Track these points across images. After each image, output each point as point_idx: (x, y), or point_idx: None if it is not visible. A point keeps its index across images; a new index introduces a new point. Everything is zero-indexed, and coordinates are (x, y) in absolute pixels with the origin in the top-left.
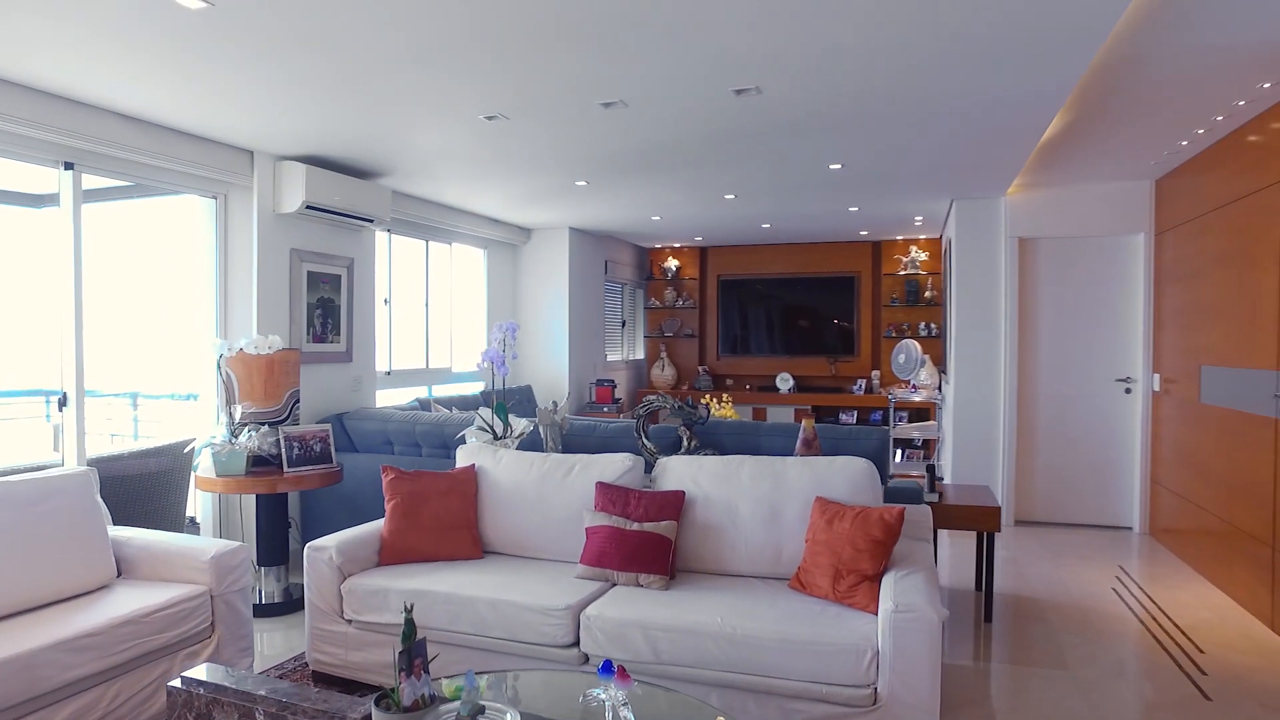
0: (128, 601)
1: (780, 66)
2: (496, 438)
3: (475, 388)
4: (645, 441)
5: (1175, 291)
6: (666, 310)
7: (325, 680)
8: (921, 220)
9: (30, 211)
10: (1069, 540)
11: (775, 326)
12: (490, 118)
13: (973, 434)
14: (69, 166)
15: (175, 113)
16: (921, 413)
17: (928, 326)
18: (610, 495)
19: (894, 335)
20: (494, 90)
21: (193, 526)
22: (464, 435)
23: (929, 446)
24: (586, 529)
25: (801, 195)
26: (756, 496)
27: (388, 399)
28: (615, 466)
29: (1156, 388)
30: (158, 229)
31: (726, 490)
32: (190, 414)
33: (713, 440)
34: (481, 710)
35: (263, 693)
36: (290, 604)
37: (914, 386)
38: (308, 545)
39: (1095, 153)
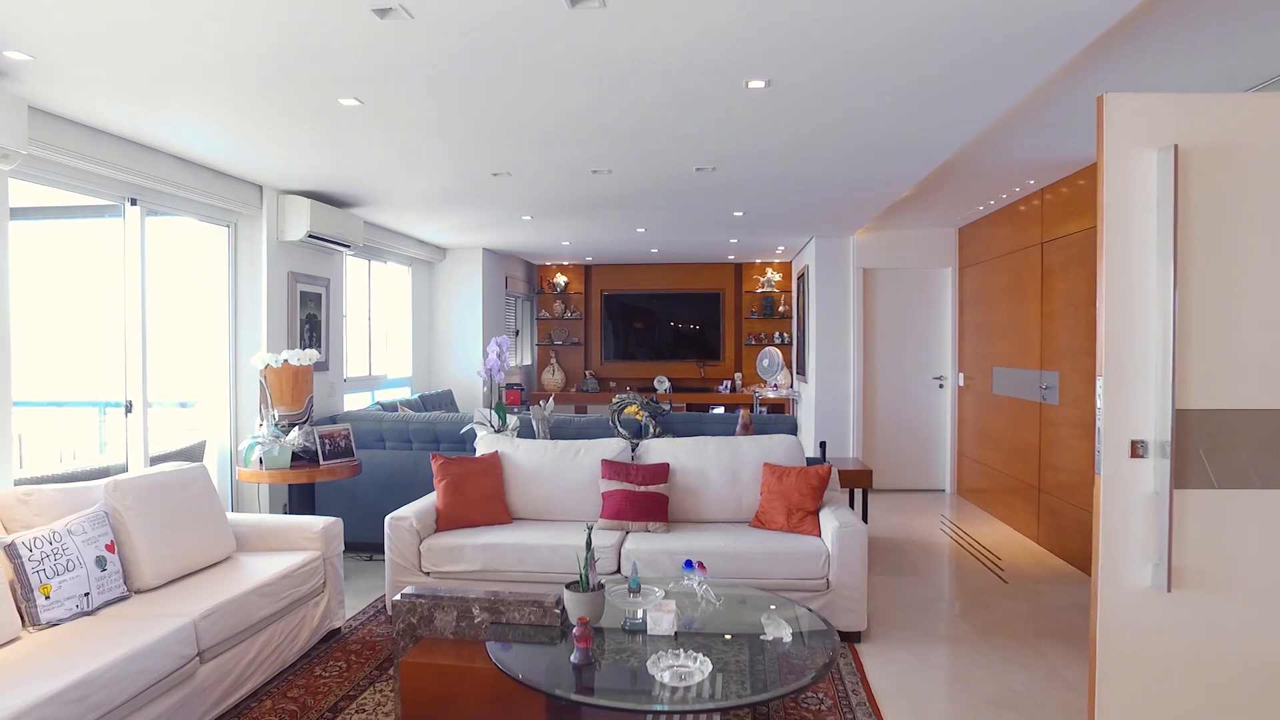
0: (270, 564)
1: (731, 156)
2: (496, 431)
3: (404, 393)
4: (619, 429)
5: (973, 312)
6: (555, 321)
7: None
8: (783, 249)
9: (92, 222)
10: (903, 500)
11: (652, 335)
12: (496, 174)
13: (830, 421)
14: (134, 202)
15: (218, 157)
16: (778, 407)
17: (781, 335)
18: (615, 468)
19: (753, 343)
20: (506, 158)
21: None
22: (472, 429)
23: None
24: (603, 493)
25: (701, 230)
26: (720, 465)
27: (347, 403)
28: (613, 448)
29: (960, 383)
30: (156, 248)
31: (698, 461)
32: (183, 420)
33: (670, 428)
34: (639, 587)
35: (473, 595)
36: None
37: (775, 386)
38: (389, 516)
39: (920, 209)
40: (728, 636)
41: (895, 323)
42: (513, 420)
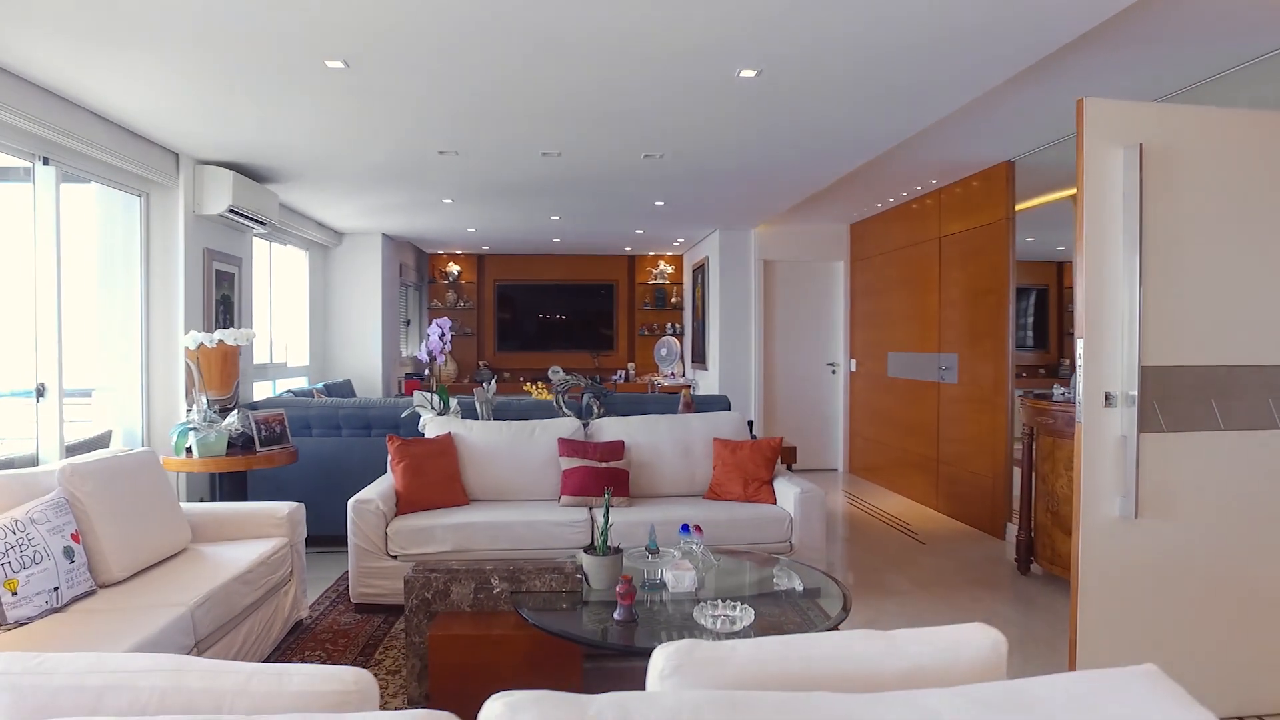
0: (237, 553)
1: (686, 144)
2: (439, 414)
3: (301, 382)
4: (564, 410)
5: (865, 302)
6: (447, 311)
7: (369, 609)
8: (681, 241)
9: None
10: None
11: (546, 326)
12: (443, 152)
13: (733, 406)
14: (46, 161)
15: (141, 117)
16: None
17: (673, 326)
18: (573, 446)
19: (646, 334)
20: (461, 135)
21: None
22: (416, 412)
23: None
24: (564, 470)
25: (615, 219)
26: (673, 440)
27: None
28: (566, 427)
29: (853, 369)
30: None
31: (652, 438)
32: (81, 409)
33: (613, 408)
34: (658, 549)
35: (490, 566)
36: None
37: (671, 374)
38: (353, 499)
39: (817, 205)
40: (745, 590)
41: (792, 313)
42: (453, 403)
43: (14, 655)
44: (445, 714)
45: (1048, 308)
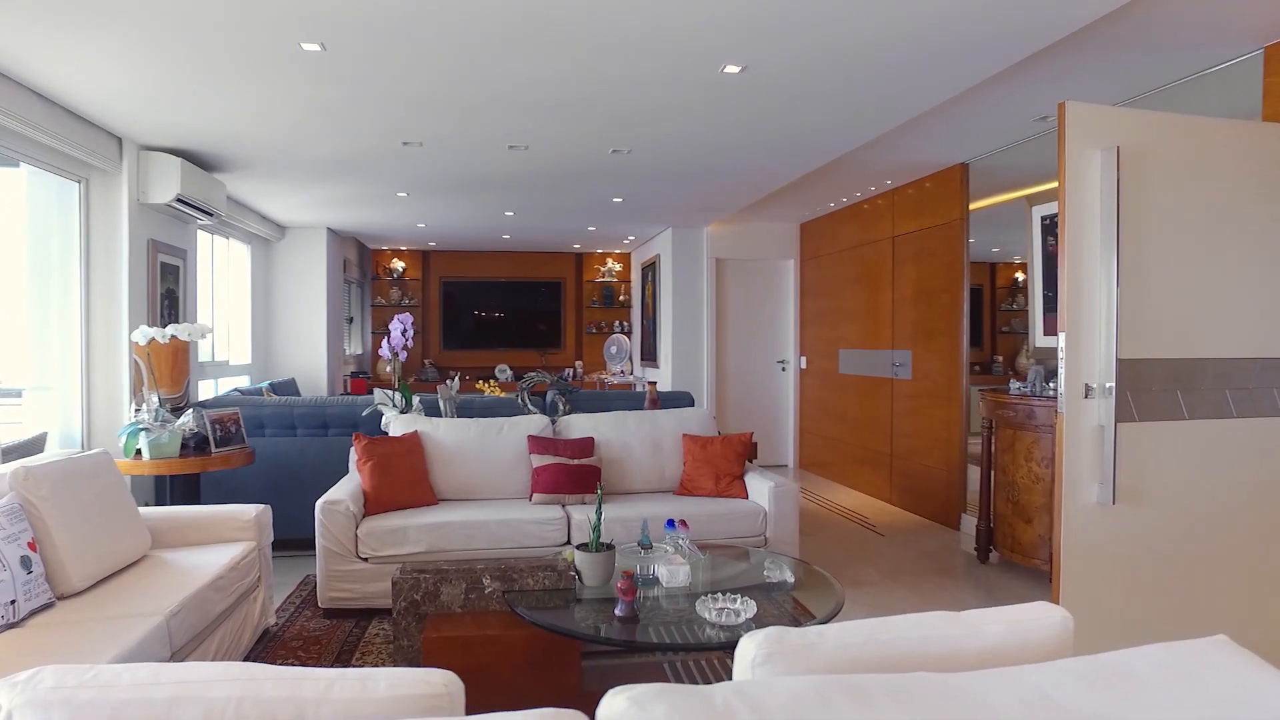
0: (203, 559)
1: (656, 139)
2: (402, 411)
3: (243, 381)
4: (529, 406)
5: (816, 300)
6: (391, 308)
7: (338, 614)
8: (632, 239)
9: None
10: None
11: (492, 323)
12: (407, 143)
13: (684, 403)
14: None
15: (88, 98)
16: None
17: (621, 324)
18: (544, 444)
19: (594, 331)
20: (428, 125)
21: None
22: (378, 411)
23: None
24: (535, 468)
25: (570, 215)
26: (642, 437)
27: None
28: (535, 424)
29: (803, 366)
30: None
31: (621, 434)
32: (10, 412)
33: (578, 405)
34: (651, 545)
35: (481, 565)
36: None
37: (620, 372)
38: (322, 500)
39: (769, 204)
40: (737, 582)
41: (743, 310)
42: (415, 400)
43: (65, 668)
44: (574, 712)
45: (981, 307)
